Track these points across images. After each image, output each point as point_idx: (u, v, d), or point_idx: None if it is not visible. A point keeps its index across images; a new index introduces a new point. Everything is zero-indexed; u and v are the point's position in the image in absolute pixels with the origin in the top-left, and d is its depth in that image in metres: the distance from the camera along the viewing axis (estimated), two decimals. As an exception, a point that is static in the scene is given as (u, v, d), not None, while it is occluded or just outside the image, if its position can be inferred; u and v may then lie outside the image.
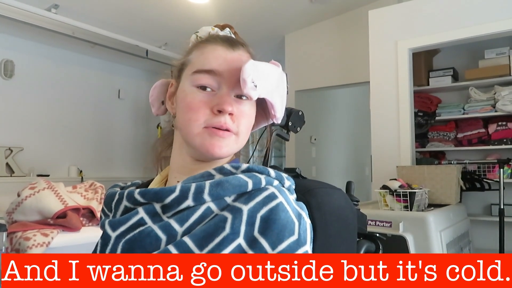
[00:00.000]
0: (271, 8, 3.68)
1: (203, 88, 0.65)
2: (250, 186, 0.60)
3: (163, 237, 0.59)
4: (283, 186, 0.65)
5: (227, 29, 0.73)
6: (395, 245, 2.02)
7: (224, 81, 0.65)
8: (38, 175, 3.96)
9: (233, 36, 0.73)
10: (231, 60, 0.66)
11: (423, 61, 3.55)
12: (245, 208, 0.58)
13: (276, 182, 0.64)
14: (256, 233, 0.57)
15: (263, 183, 0.62)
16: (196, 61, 0.68)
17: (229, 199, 0.60)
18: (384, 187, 2.32)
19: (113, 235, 0.63)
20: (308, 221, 0.62)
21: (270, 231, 0.56)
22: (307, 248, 0.58)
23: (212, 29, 0.72)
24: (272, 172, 0.65)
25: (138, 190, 0.64)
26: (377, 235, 0.91)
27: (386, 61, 3.11)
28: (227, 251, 0.55)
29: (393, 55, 3.08)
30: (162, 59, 4.32)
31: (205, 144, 0.65)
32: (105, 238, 0.64)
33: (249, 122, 0.69)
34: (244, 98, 0.66)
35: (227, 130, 0.64)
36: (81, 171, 4.43)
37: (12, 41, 3.92)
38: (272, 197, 0.59)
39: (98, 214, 2.55)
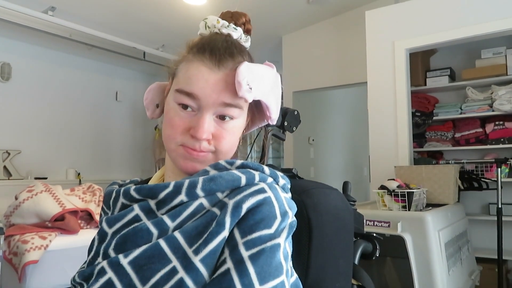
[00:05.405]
0: (268, 9, 3.69)
1: (184, 107, 0.65)
2: (243, 182, 0.61)
3: (154, 231, 0.59)
4: (277, 184, 0.65)
5: (232, 25, 0.69)
6: (394, 245, 2.02)
7: (204, 104, 0.64)
8: (36, 178, 3.95)
9: (235, 33, 0.69)
10: (214, 82, 0.63)
11: (420, 61, 3.56)
12: (231, 202, 0.58)
13: (270, 179, 0.64)
14: (235, 223, 0.57)
15: (257, 179, 0.62)
16: (181, 77, 0.66)
17: (221, 195, 0.61)
18: (382, 187, 2.32)
19: (110, 231, 0.64)
20: (292, 220, 0.61)
21: (246, 221, 0.57)
22: (280, 241, 0.57)
23: (217, 22, 0.69)
24: (266, 169, 0.65)
25: (134, 187, 0.64)
26: (374, 235, 0.91)
27: (383, 61, 3.11)
28: (213, 245, 0.55)
29: (390, 56, 3.08)
30: (160, 61, 4.32)
31: (179, 162, 0.66)
32: (102, 234, 0.65)
33: (232, 140, 0.67)
34: (227, 118, 0.65)
35: (203, 151, 0.65)
36: (79, 174, 4.42)
37: (9, 44, 3.92)
38: (260, 191, 0.59)
39: (96, 217, 2.55)
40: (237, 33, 0.69)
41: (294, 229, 0.63)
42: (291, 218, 0.61)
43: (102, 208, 0.72)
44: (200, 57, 0.65)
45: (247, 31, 0.72)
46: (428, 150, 3.62)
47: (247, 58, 0.68)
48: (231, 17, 0.71)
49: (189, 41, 0.70)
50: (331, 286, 0.71)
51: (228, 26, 0.69)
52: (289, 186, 0.68)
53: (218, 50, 0.65)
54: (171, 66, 0.70)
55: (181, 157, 0.65)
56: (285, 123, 0.94)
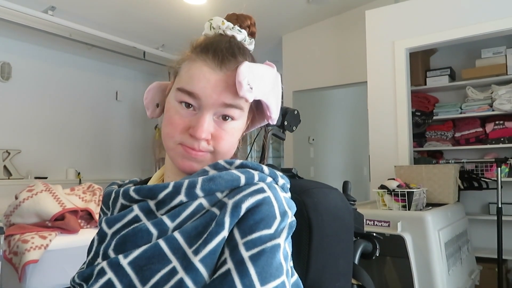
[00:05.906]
0: (268, 9, 3.69)
1: (185, 105, 0.65)
2: (242, 181, 0.61)
3: (154, 232, 0.59)
4: (277, 184, 0.65)
5: (236, 27, 0.70)
6: (394, 245, 2.02)
7: (204, 104, 0.64)
8: (36, 178, 3.95)
9: (239, 36, 0.69)
10: (215, 83, 0.63)
11: (420, 61, 3.55)
12: (230, 201, 0.58)
13: (269, 179, 0.64)
14: (235, 223, 0.57)
15: (256, 178, 0.62)
16: (183, 76, 0.66)
17: (220, 195, 0.61)
18: (382, 186, 2.32)
19: (109, 232, 0.64)
20: (291, 219, 0.61)
21: (245, 221, 0.57)
22: (280, 241, 0.57)
23: (222, 23, 0.69)
24: (266, 169, 0.65)
25: (133, 187, 0.64)
26: (374, 234, 0.91)
27: (383, 61, 3.11)
28: (212, 245, 0.55)
29: (390, 55, 3.08)
30: (160, 61, 4.32)
31: (177, 161, 0.66)
32: (102, 235, 0.65)
33: (231, 141, 0.67)
34: (227, 119, 0.65)
35: (201, 151, 0.65)
36: (79, 173, 4.42)
37: (9, 44, 3.92)
38: (260, 190, 0.59)
39: (96, 216, 2.55)
40: (241, 35, 0.70)
41: (294, 229, 0.63)
42: (291, 218, 0.61)
43: (101, 209, 0.72)
44: (203, 57, 0.65)
45: (251, 34, 0.73)
46: (428, 150, 3.62)
47: (249, 60, 0.68)
48: (236, 19, 0.72)
49: (193, 40, 0.70)
50: (331, 286, 0.71)
51: (232, 28, 0.69)
52: (288, 186, 0.68)
53: (221, 51, 0.65)
54: (174, 64, 0.70)
55: (179, 156, 0.66)
56: (285, 123, 0.94)
